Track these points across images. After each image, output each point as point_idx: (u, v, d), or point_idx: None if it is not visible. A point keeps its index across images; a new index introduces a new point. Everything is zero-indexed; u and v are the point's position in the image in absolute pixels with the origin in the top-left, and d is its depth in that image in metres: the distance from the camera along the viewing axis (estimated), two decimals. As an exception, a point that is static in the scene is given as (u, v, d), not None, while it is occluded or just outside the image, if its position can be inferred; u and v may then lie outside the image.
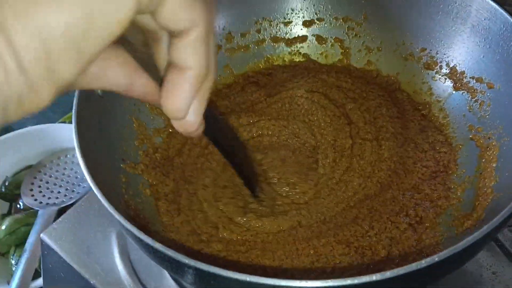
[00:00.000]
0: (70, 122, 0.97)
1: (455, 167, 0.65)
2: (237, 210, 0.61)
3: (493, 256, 0.64)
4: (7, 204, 0.94)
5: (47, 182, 0.90)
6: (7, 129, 0.97)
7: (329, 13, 0.80)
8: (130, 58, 0.31)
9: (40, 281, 0.76)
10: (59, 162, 0.93)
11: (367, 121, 0.69)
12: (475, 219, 0.57)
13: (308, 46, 0.82)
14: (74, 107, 0.57)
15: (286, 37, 0.82)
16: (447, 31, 0.70)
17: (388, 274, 0.41)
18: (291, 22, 0.82)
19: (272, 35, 0.82)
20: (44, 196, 0.88)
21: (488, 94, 0.66)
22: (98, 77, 0.29)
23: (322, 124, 0.70)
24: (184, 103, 0.32)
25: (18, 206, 0.90)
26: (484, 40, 0.66)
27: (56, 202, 0.87)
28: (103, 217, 0.69)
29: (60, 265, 0.68)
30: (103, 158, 0.60)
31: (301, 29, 0.82)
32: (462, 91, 0.70)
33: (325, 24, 0.81)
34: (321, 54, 0.82)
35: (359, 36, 0.79)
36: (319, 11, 0.81)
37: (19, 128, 0.97)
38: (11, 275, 0.81)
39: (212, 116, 0.40)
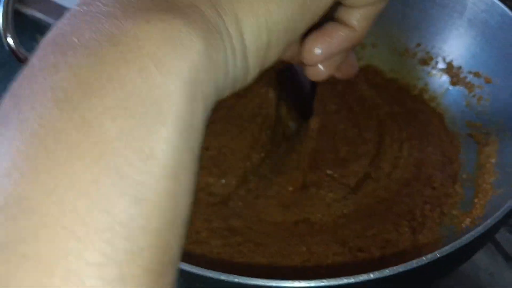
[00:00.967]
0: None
1: (458, 161, 0.63)
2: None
3: (490, 258, 0.63)
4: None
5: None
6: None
7: (322, 8, 0.78)
8: None
9: None
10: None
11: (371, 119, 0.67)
12: (474, 216, 0.55)
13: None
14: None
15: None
16: (442, 25, 0.69)
17: (387, 271, 0.39)
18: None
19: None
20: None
21: (486, 89, 0.64)
22: None
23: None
24: (329, 51, 0.32)
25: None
26: (481, 33, 0.64)
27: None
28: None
29: None
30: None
31: (294, 25, 0.80)
32: (459, 87, 0.68)
33: (318, 19, 0.79)
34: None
35: (353, 32, 0.78)
36: (312, 6, 0.79)
37: None
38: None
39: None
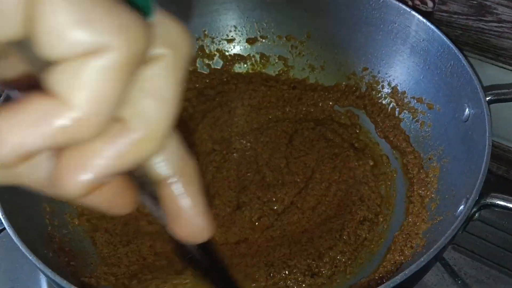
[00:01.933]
0: None
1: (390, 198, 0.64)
2: None
3: (437, 275, 0.64)
4: None
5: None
6: None
7: (272, 31, 0.78)
8: None
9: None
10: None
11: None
12: (415, 245, 0.56)
13: (251, 63, 0.80)
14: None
15: (229, 54, 0.80)
16: (388, 51, 0.70)
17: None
18: (235, 39, 0.80)
19: (213, 52, 0.80)
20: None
21: (429, 115, 0.66)
22: None
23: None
24: None
25: None
26: (423, 61, 0.66)
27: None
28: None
29: (-21, 303, 0.62)
30: (22, 193, 0.55)
31: (245, 46, 0.80)
32: (403, 111, 0.69)
33: (268, 42, 0.79)
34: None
35: (303, 55, 0.78)
36: (262, 28, 0.79)
37: None
38: None
39: None
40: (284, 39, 0.78)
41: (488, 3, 0.61)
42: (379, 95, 0.72)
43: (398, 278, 0.41)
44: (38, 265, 0.42)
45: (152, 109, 0.19)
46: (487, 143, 0.50)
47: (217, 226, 0.59)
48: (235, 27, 0.79)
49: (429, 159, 0.63)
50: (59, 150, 0.18)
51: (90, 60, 0.16)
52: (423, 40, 0.65)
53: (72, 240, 0.58)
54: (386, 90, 0.72)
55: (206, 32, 0.79)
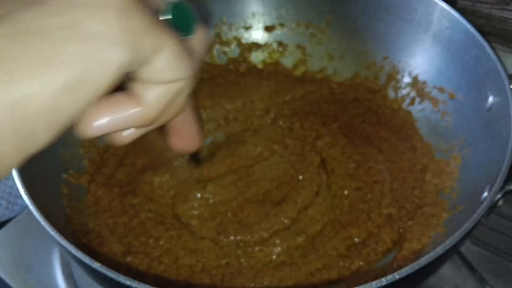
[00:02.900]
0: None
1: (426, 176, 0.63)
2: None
3: (454, 268, 0.63)
4: None
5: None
6: None
7: (291, 18, 0.78)
8: None
9: (-26, 302, 0.70)
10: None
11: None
12: (434, 234, 0.56)
13: (268, 52, 0.80)
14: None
15: (246, 42, 0.79)
16: (409, 40, 0.69)
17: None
18: (252, 27, 0.79)
19: (230, 39, 0.79)
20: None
21: (450, 105, 0.65)
22: None
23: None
24: (112, 127, 0.27)
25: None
26: (446, 49, 0.65)
27: (-4, 214, 0.80)
28: (45, 232, 0.64)
29: (-5, 284, 0.63)
30: (43, 168, 0.55)
31: (262, 34, 0.79)
32: (424, 101, 0.69)
33: (286, 30, 0.79)
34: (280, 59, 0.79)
35: (321, 44, 0.77)
36: (281, 16, 0.78)
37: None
38: None
39: None
40: (303, 27, 0.78)
41: (513, -9, 0.61)
42: (399, 84, 0.72)
43: (422, 261, 0.41)
44: (60, 241, 0.42)
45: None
46: (511, 129, 0.49)
47: None
48: (253, 14, 0.79)
49: (450, 149, 0.62)
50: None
51: (170, 85, 0.27)
52: (446, 28, 0.64)
53: (89, 223, 0.58)
54: (407, 79, 0.71)
55: (224, 19, 0.78)
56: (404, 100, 0.71)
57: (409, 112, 0.70)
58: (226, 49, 0.79)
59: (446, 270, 0.63)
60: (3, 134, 0.22)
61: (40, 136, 0.23)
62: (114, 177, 0.63)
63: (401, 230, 0.58)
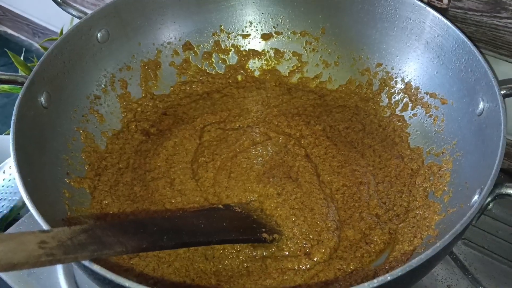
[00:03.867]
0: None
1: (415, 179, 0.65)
2: None
3: (447, 269, 0.64)
4: None
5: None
6: None
7: (287, 26, 0.80)
8: None
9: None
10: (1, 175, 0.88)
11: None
12: (426, 236, 0.57)
13: (265, 59, 0.81)
14: (13, 118, 0.54)
15: (244, 49, 0.81)
16: (402, 47, 0.71)
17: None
18: (250, 35, 0.81)
19: (229, 47, 0.81)
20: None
21: (442, 110, 0.66)
22: None
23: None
24: None
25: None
26: (438, 56, 0.66)
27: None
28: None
29: (-2, 286, 0.63)
30: (45, 173, 0.56)
31: (259, 42, 0.81)
32: (417, 107, 0.70)
33: (283, 37, 0.80)
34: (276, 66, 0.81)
35: (317, 51, 0.79)
36: (277, 24, 0.80)
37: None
38: None
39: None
40: (299, 35, 0.79)
41: None
42: (393, 90, 0.73)
43: (413, 263, 0.42)
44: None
45: None
46: (502, 134, 0.50)
47: None
48: (251, 22, 0.80)
49: (442, 153, 0.64)
50: None
51: None
52: (437, 36, 0.65)
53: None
54: (400, 85, 0.72)
55: (222, 27, 0.80)
56: (397, 106, 0.72)
57: (402, 117, 0.71)
58: (225, 57, 0.81)
59: (440, 271, 0.64)
60: None
61: None
62: (123, 187, 0.65)
63: (391, 232, 0.59)
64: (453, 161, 0.61)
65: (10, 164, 0.88)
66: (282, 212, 0.61)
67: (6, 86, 0.96)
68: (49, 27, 1.34)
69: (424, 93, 0.69)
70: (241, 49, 0.81)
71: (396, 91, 0.73)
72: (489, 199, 0.48)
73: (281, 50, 0.81)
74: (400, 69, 0.72)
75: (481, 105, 0.58)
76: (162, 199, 0.63)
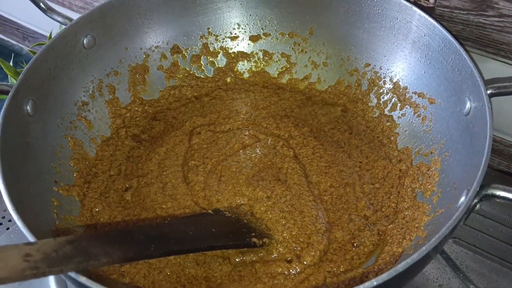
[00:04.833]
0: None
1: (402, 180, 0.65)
2: None
3: (439, 269, 0.65)
4: None
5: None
6: None
7: (275, 28, 0.79)
8: None
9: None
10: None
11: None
12: (415, 237, 0.57)
13: (254, 61, 0.81)
14: (-2, 127, 0.53)
15: (233, 52, 0.81)
16: (390, 47, 0.71)
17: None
18: (238, 37, 0.81)
19: (217, 50, 0.81)
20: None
21: (430, 109, 0.66)
22: None
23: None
24: None
25: None
26: (425, 56, 0.66)
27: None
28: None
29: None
30: (32, 182, 0.56)
31: (248, 44, 0.81)
32: (405, 106, 0.70)
33: (271, 39, 0.80)
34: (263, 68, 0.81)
35: (305, 52, 0.79)
36: (265, 26, 0.80)
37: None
38: None
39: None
40: (287, 36, 0.79)
41: (488, -2, 0.62)
42: (381, 90, 0.73)
43: (400, 267, 0.42)
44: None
45: None
46: (488, 134, 0.50)
47: None
48: (239, 24, 0.80)
49: (431, 153, 0.64)
50: None
51: None
52: (424, 35, 0.65)
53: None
54: (388, 85, 0.72)
55: (210, 30, 0.80)
56: (386, 106, 0.72)
57: (391, 117, 0.71)
58: (213, 59, 0.81)
59: (431, 270, 0.64)
60: None
61: None
62: (114, 194, 0.65)
63: (380, 233, 0.59)
64: (442, 161, 0.61)
65: None
66: (272, 216, 0.61)
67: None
68: (39, 31, 1.33)
69: (412, 92, 0.69)
70: (230, 51, 0.81)
71: (385, 91, 0.73)
72: (476, 200, 0.48)
73: (270, 52, 0.80)
74: (388, 69, 0.72)
75: (468, 105, 0.58)
76: (153, 205, 0.63)
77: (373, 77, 0.74)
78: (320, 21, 0.76)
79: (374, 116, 0.73)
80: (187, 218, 0.60)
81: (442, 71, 0.63)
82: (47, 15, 0.70)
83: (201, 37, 0.80)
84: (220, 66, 0.81)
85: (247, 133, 0.72)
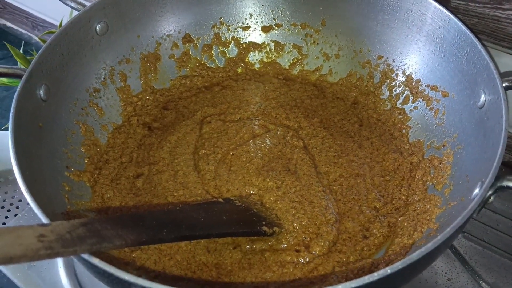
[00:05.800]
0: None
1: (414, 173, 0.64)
2: None
3: (448, 263, 0.64)
4: None
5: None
6: None
7: (287, 19, 0.79)
8: None
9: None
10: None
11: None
12: (426, 229, 0.57)
13: (266, 51, 0.81)
14: (12, 111, 0.53)
15: (244, 42, 0.81)
16: (403, 39, 0.70)
17: (340, 287, 0.39)
18: (250, 27, 0.80)
19: (229, 40, 0.80)
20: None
21: (443, 102, 0.66)
22: None
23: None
24: None
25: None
26: (439, 48, 0.66)
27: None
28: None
29: (-2, 280, 0.64)
30: (44, 166, 0.56)
31: (260, 34, 0.80)
32: (418, 99, 0.70)
33: (283, 30, 0.80)
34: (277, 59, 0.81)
35: (317, 43, 0.78)
36: (277, 17, 0.79)
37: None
38: None
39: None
40: (299, 27, 0.79)
41: (505, -9, 0.62)
42: (393, 83, 0.73)
43: (414, 256, 0.42)
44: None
45: None
46: (504, 126, 0.50)
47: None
48: (251, 14, 0.80)
49: (443, 146, 0.63)
50: None
51: None
52: (439, 28, 0.65)
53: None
54: (401, 78, 0.72)
55: (222, 20, 0.79)
56: (398, 99, 0.72)
57: (403, 110, 0.71)
58: (225, 49, 0.80)
59: (440, 265, 0.64)
60: None
61: None
62: (125, 181, 0.65)
63: (390, 225, 0.59)
64: (454, 154, 0.61)
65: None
66: (282, 206, 0.60)
67: (5, 79, 0.96)
68: (49, 20, 1.33)
69: (425, 85, 0.69)
70: (241, 41, 0.81)
71: (397, 84, 0.72)
72: (490, 192, 0.48)
73: (282, 43, 0.80)
74: (401, 62, 0.72)
75: (482, 98, 0.57)
76: (164, 192, 0.63)
77: (386, 70, 0.73)
78: (333, 12, 0.75)
79: (385, 109, 0.73)
80: (198, 205, 0.60)
81: (456, 64, 0.63)
82: (60, 1, 0.70)
83: (213, 26, 0.79)
84: (231, 56, 0.81)
85: (257, 123, 0.71)
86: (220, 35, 0.80)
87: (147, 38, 0.76)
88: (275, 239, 0.58)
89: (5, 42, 1.02)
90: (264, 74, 0.80)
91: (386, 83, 0.74)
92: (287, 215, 0.59)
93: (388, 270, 0.40)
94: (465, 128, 0.61)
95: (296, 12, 0.78)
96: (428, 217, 0.58)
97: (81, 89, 0.68)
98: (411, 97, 0.70)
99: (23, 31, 1.49)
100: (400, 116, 0.71)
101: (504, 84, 0.55)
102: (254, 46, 0.81)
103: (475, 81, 0.59)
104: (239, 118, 0.73)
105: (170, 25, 0.77)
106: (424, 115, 0.68)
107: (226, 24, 0.80)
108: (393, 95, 0.73)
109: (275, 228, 0.58)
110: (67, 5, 0.70)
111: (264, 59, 0.81)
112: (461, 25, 0.61)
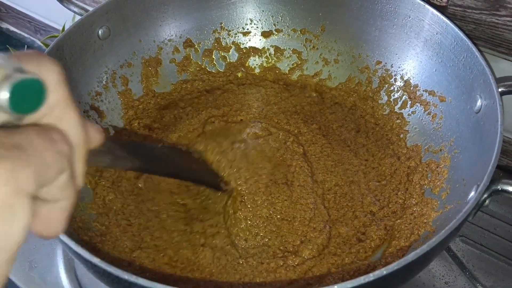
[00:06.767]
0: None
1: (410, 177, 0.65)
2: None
3: (445, 266, 0.65)
4: None
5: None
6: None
7: (287, 24, 0.80)
8: None
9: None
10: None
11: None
12: (423, 232, 0.57)
13: (265, 56, 0.82)
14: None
15: (245, 47, 0.82)
16: (401, 45, 0.71)
17: (335, 287, 0.40)
18: (250, 32, 0.81)
19: (229, 45, 0.81)
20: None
21: (440, 107, 0.67)
22: None
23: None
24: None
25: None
26: (437, 54, 0.67)
27: None
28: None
29: None
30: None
31: (260, 39, 0.82)
32: (416, 104, 0.70)
33: (283, 35, 0.81)
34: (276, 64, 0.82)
35: (317, 48, 0.79)
36: (277, 22, 0.80)
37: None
38: None
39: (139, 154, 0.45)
40: (299, 32, 0.80)
41: (501, -2, 0.62)
42: (392, 88, 0.74)
43: (409, 257, 0.42)
44: (61, 237, 0.44)
45: None
46: (499, 130, 0.51)
47: None
48: (251, 20, 0.81)
49: (440, 150, 0.64)
50: None
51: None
52: (436, 34, 0.66)
53: (93, 222, 0.60)
54: (399, 83, 0.73)
55: (222, 25, 0.80)
56: (396, 103, 0.73)
57: (401, 114, 0.72)
58: (225, 54, 0.81)
59: (437, 268, 0.65)
60: None
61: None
62: (126, 183, 0.66)
63: (387, 228, 0.60)
64: (451, 158, 0.62)
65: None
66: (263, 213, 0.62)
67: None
68: (51, 24, 1.34)
69: (423, 90, 0.69)
70: (242, 46, 0.82)
71: (395, 89, 0.73)
72: (485, 195, 0.49)
73: (281, 48, 0.81)
74: (399, 67, 0.73)
75: (479, 102, 0.58)
76: (169, 187, 0.64)
77: (384, 75, 0.74)
78: (332, 18, 0.77)
79: (384, 113, 0.73)
80: (176, 149, 0.66)
81: (454, 69, 0.64)
82: (63, 5, 0.71)
83: (214, 31, 0.80)
84: (231, 61, 0.82)
85: (259, 125, 0.72)
86: (221, 40, 0.81)
87: (149, 43, 0.77)
88: (261, 248, 0.59)
89: (8, 46, 1.03)
90: (264, 79, 0.81)
91: (384, 88, 0.74)
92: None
93: (383, 271, 0.41)
94: (462, 132, 0.62)
95: (296, 18, 0.79)
96: (425, 220, 0.58)
97: (83, 92, 0.69)
98: (409, 102, 0.71)
99: (26, 35, 1.50)
100: (398, 121, 0.72)
101: (500, 89, 0.55)
102: (254, 51, 0.82)
103: (472, 86, 0.60)
104: (241, 120, 0.74)
105: (171, 30, 0.78)
106: (422, 119, 0.69)
107: (226, 29, 0.81)
108: (391, 100, 0.74)
109: (228, 186, 0.63)
110: (70, 10, 0.71)
111: (264, 64, 0.82)
112: (458, 31, 0.62)
